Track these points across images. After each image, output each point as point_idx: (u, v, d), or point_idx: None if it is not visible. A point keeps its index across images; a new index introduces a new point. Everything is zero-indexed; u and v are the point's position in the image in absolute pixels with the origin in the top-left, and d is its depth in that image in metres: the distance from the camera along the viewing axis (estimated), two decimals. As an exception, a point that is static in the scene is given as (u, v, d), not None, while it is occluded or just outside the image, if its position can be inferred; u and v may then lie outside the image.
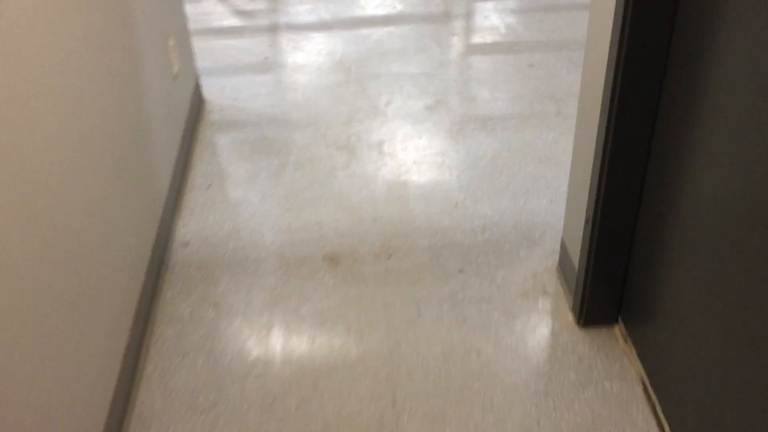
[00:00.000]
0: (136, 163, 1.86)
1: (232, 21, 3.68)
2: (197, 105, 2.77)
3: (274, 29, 3.57)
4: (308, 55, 3.26)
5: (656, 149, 1.41)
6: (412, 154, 2.49)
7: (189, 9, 3.82)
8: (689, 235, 1.32)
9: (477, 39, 3.36)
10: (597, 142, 1.48)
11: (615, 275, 1.65)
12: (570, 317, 1.79)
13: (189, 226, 2.18)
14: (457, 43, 3.33)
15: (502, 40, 3.33)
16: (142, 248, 1.84)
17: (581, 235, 1.69)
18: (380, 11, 3.72)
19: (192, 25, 3.61)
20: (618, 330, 1.73)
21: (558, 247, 2.02)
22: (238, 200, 2.29)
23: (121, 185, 1.71)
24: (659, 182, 1.43)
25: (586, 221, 1.61)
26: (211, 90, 2.98)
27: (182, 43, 2.63)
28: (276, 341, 1.77)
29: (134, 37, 1.95)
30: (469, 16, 3.64)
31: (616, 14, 1.29)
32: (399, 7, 3.76)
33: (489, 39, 3.34)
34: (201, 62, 3.21)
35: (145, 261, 1.87)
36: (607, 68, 1.37)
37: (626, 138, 1.41)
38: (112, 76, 1.72)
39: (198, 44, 3.39)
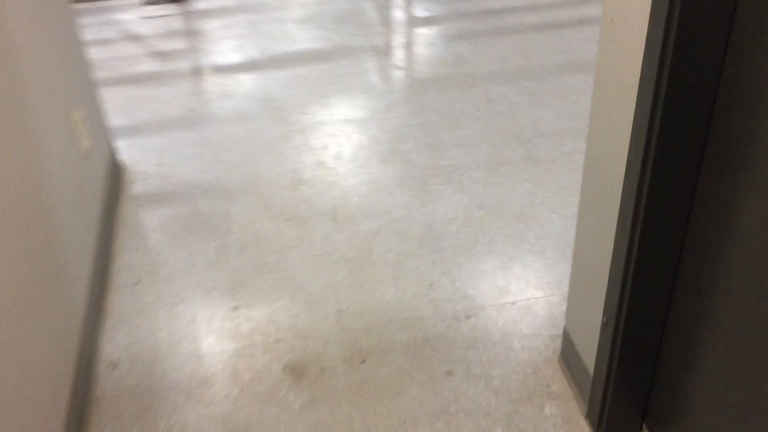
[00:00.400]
0: (43, 270, 1.54)
1: (149, 66, 3.34)
2: (115, 177, 2.43)
3: (197, 73, 3.25)
4: (240, 103, 2.96)
5: (691, 236, 1.19)
6: (372, 222, 2.23)
7: (97, 53, 3.46)
8: (731, 329, 1.11)
9: (425, 72, 3.13)
10: (619, 237, 1.25)
11: (641, 379, 1.43)
12: (585, 426, 1.56)
13: (117, 340, 1.85)
14: (404, 79, 3.09)
15: (453, 72, 3.11)
16: (59, 380, 1.52)
17: (592, 328, 1.46)
18: (315, 44, 3.45)
19: (102, 74, 3.25)
20: (644, 439, 1.51)
21: (557, 331, 1.80)
22: (174, 298, 1.97)
23: (23, 304, 1.39)
24: (695, 273, 1.21)
25: (605, 323, 1.38)
26: (130, 154, 2.65)
27: (92, 111, 2.30)
28: (237, 495, 1.47)
29: (29, 120, 1.63)
30: (412, 45, 3.41)
31: (646, 70, 1.07)
32: (335, 39, 3.50)
33: (440, 71, 3.12)
34: (115, 119, 2.87)
35: (64, 398, 1.54)
36: (632, 140, 1.15)
37: (659, 230, 1.18)
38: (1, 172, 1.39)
39: (110, 97, 3.04)
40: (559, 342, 1.76)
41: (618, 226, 1.23)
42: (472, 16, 3.65)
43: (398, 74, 3.13)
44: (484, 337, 1.80)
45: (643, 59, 1.04)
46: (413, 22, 3.67)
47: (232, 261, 2.10)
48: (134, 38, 3.64)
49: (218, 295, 1.98)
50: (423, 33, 3.52)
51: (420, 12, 3.77)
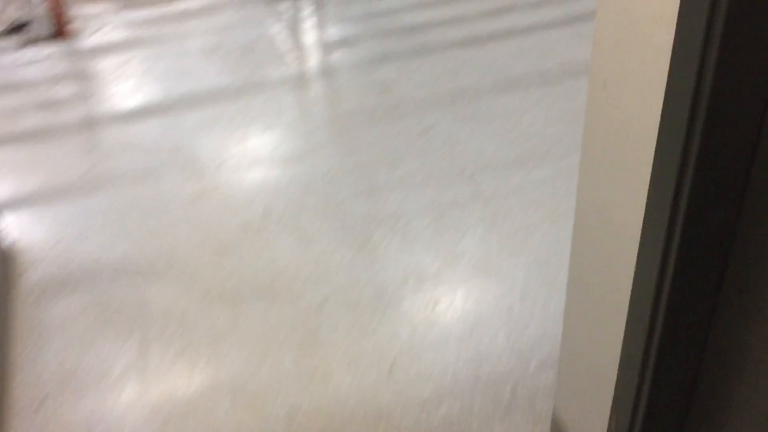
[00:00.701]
0: None
1: (36, 119, 2.99)
2: (4, 268, 2.11)
3: (92, 123, 2.93)
4: (145, 157, 2.67)
5: (714, 342, 1.03)
6: (314, 293, 2.00)
7: (-29, 109, 3.08)
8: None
9: (350, 103, 2.92)
10: (632, 342, 1.08)
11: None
12: None
13: (23, 485, 1.56)
14: (325, 112, 2.87)
15: (380, 101, 2.91)
16: None
17: (594, 421, 1.30)
18: (224, 80, 3.18)
19: (-21, 135, 2.89)
20: None
21: (541, 408, 1.63)
22: (90, 418, 1.69)
23: None
24: (719, 373, 1.06)
25: (615, 427, 1.21)
26: (22, 232, 2.32)
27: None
28: None
29: None
30: (331, 73, 3.19)
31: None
32: (245, 71, 3.24)
33: (365, 101, 2.92)
34: (0, 191, 2.53)
35: None
36: (645, 229, 0.98)
37: (680, 335, 1.01)
38: None
39: (-8, 163, 2.69)
40: (545, 425, 1.59)
41: (629, 329, 1.06)
42: (391, 35, 3.47)
43: (321, 108, 2.91)
44: (461, 428, 1.60)
45: (658, 141, 0.87)
46: (329, 46, 3.45)
47: (157, 360, 1.83)
48: (14, 87, 3.27)
49: (144, 408, 1.71)
50: (341, 58, 3.31)
51: (334, 34, 3.56)
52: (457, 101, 2.87)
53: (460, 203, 2.30)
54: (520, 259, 2.07)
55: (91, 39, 3.69)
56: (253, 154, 2.65)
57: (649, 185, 0.89)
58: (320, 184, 2.45)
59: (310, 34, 3.60)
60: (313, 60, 3.33)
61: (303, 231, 2.24)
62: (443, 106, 2.85)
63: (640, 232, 0.94)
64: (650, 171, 0.89)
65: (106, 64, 3.42)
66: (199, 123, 2.87)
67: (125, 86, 3.21)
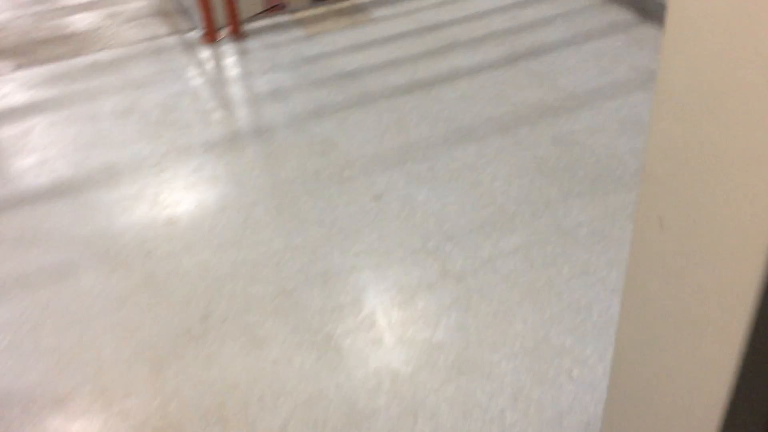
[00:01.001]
0: None
1: None
2: None
3: (-9, 211, 2.61)
4: (58, 249, 2.37)
5: None
6: (273, 414, 1.76)
7: None
8: None
9: (290, 168, 2.69)
10: None
11: None
12: None
13: None
14: (263, 181, 2.64)
15: (323, 163, 2.70)
16: None
17: None
18: (142, 147, 2.90)
19: None
20: None
21: None
22: None
23: None
24: None
25: None
26: None
27: None
28: None
29: None
30: (262, 133, 2.96)
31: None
32: (167, 135, 2.97)
33: (307, 165, 2.70)
34: None
35: None
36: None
37: None
38: None
39: None
40: None
41: None
42: (328, 83, 3.26)
43: (258, 176, 2.67)
44: None
45: (754, 312, 0.68)
46: (259, 99, 3.21)
47: None
48: None
49: None
50: (274, 113, 3.08)
51: (264, 84, 3.33)
52: (408, 158, 2.69)
53: (428, 284, 2.11)
54: (505, 350, 1.88)
55: (-15, 106, 3.34)
56: (185, 237, 2.38)
57: (734, 372, 0.71)
58: (266, 271, 2.20)
59: (237, 87, 3.35)
60: (244, 117, 3.09)
61: (252, 333, 1.99)
62: (394, 164, 2.66)
63: None
64: (737, 351, 0.70)
65: (3, 135, 3.09)
66: (118, 202, 2.58)
67: (28, 161, 2.89)
